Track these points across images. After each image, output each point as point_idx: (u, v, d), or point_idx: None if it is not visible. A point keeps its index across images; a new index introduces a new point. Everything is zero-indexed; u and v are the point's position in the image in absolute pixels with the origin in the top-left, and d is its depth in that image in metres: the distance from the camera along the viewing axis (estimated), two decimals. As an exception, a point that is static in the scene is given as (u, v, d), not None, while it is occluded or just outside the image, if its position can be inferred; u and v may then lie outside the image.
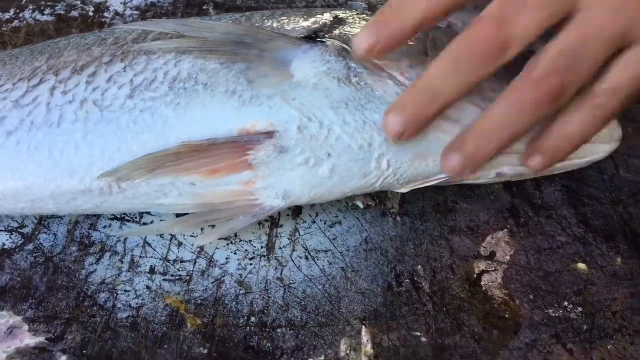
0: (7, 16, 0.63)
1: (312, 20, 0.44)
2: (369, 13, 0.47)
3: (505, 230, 0.45)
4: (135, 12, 0.64)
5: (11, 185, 0.39)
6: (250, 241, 0.43)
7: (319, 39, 0.42)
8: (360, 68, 0.40)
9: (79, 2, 0.65)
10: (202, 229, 0.43)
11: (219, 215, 0.40)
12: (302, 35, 0.43)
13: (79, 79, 0.40)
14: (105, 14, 0.64)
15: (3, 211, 0.42)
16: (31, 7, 0.64)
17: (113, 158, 0.38)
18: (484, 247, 0.43)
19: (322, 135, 0.39)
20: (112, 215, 0.45)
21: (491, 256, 0.43)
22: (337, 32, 0.43)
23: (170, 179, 0.39)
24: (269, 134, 0.39)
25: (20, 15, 0.63)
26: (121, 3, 0.65)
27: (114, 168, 0.38)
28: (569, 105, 0.37)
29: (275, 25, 0.44)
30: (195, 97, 0.39)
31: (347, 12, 0.46)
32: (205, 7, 0.65)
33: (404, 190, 0.42)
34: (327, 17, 0.45)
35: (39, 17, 0.63)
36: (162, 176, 0.38)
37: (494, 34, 0.34)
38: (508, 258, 0.43)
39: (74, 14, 0.64)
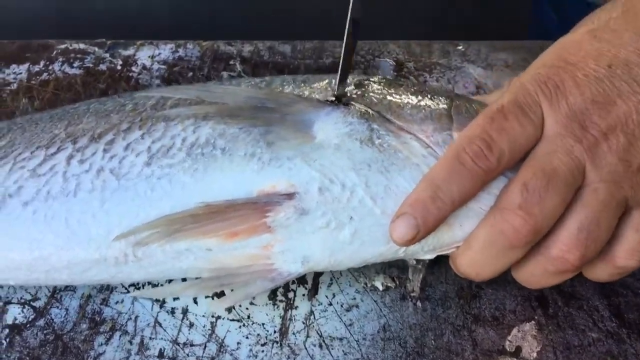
0: (36, 68, 0.64)
1: (333, 84, 0.43)
2: (391, 77, 0.46)
3: (533, 321, 0.42)
4: (163, 67, 0.64)
5: (27, 256, 0.39)
6: (263, 324, 0.42)
7: (341, 102, 0.41)
8: (384, 130, 0.39)
9: (107, 55, 0.65)
10: (216, 294, 0.42)
11: (235, 280, 0.39)
12: (325, 99, 0.42)
13: (96, 146, 0.40)
14: (133, 68, 0.64)
15: (18, 282, 0.42)
16: (61, 59, 0.65)
17: (131, 225, 0.38)
18: (509, 340, 0.41)
19: (344, 197, 0.38)
20: (125, 289, 0.44)
21: (517, 352, 0.40)
22: (359, 93, 0.42)
23: (187, 244, 0.38)
24: (289, 195, 0.38)
25: (50, 67, 0.64)
26: (149, 57, 0.65)
27: (131, 228, 0.37)
28: (594, 267, 0.39)
29: (296, 90, 0.43)
30: (213, 162, 0.38)
31: (369, 77, 0.46)
32: (232, 62, 0.64)
33: (428, 257, 0.41)
34: (349, 81, 0.44)
35: (67, 69, 0.64)
36: (179, 239, 0.38)
37: (523, 224, 0.36)
38: (535, 355, 0.40)
39: (102, 67, 0.64)
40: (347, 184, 0.38)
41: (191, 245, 0.38)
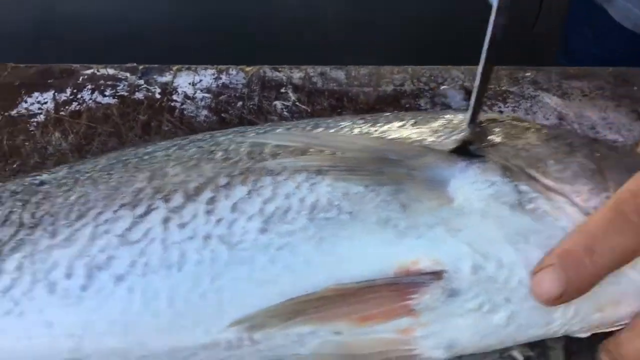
0: (63, 97, 0.57)
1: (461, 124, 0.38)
2: (521, 119, 0.40)
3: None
4: (207, 95, 0.57)
5: (121, 340, 0.32)
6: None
7: (469, 150, 0.36)
8: (533, 192, 0.34)
9: (142, 82, 0.59)
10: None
11: None
12: (452, 148, 0.36)
13: (195, 207, 0.33)
14: (174, 97, 0.57)
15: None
16: (90, 86, 0.58)
17: (246, 304, 0.31)
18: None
19: (500, 276, 0.32)
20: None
21: None
22: (492, 140, 0.37)
23: (311, 328, 0.32)
24: (436, 274, 0.32)
25: (79, 96, 0.57)
26: (189, 84, 0.59)
27: (247, 315, 0.31)
28: None
29: (411, 134, 0.37)
30: (340, 229, 0.32)
31: (488, 115, 0.40)
32: (283, 90, 0.58)
33: (583, 335, 0.36)
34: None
35: (99, 98, 0.57)
36: (303, 324, 0.31)
37: None
38: None
39: (139, 95, 0.57)
40: (504, 261, 0.32)
41: (316, 328, 0.32)
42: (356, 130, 0.38)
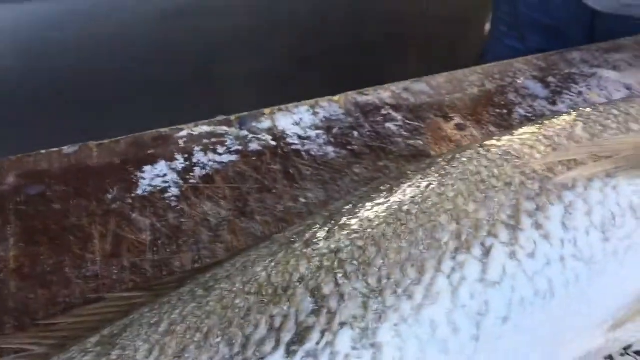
0: (180, 165, 0.54)
1: None
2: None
3: None
4: (319, 131, 0.57)
5: None
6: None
7: None
8: None
9: (246, 132, 0.57)
10: None
11: None
12: None
13: (526, 235, 0.34)
14: (289, 139, 0.56)
15: None
16: (197, 148, 0.55)
17: (609, 307, 0.34)
18: None
19: None
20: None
21: None
22: None
23: None
24: None
25: (195, 160, 0.54)
26: (294, 124, 0.58)
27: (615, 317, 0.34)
28: None
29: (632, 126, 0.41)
30: None
31: None
32: (385, 112, 0.60)
33: None
34: None
35: (218, 158, 0.54)
36: None
37: None
38: None
39: (254, 146, 0.56)
40: None
41: None
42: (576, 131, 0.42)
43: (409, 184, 0.41)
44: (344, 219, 0.39)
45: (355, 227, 0.38)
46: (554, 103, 0.61)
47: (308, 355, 0.32)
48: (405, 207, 0.38)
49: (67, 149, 0.55)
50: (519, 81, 0.64)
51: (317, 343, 0.32)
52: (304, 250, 0.36)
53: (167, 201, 0.50)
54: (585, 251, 0.35)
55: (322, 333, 0.32)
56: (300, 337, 0.32)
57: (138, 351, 0.33)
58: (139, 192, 0.51)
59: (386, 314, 0.33)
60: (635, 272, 0.35)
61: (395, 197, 0.39)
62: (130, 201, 0.50)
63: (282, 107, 0.60)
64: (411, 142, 0.56)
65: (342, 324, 0.32)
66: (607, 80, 0.64)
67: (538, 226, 0.35)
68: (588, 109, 0.45)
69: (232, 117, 0.59)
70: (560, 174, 0.38)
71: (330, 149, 0.56)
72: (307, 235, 0.38)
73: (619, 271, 0.35)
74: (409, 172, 0.42)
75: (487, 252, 0.34)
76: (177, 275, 0.42)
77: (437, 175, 0.40)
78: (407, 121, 0.59)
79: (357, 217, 0.39)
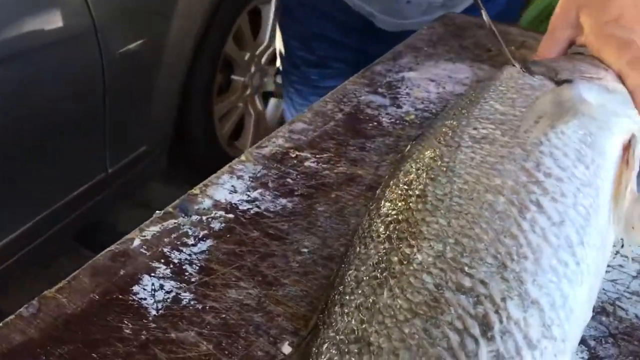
0: (165, 271, 0.50)
1: None
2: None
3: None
4: (260, 190, 0.59)
5: None
6: None
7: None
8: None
9: (195, 216, 0.56)
10: None
11: None
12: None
13: None
14: (242, 207, 0.57)
15: None
16: (165, 249, 0.52)
17: None
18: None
19: None
20: None
21: None
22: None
23: None
24: None
25: (175, 261, 0.51)
26: (230, 192, 0.59)
27: None
28: None
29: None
30: None
31: None
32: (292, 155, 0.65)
33: None
34: None
35: (194, 249, 0.52)
36: None
37: None
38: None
39: (218, 225, 0.55)
40: None
41: None
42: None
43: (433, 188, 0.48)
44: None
45: (442, 231, 0.44)
46: (399, 107, 0.74)
47: (501, 332, 0.38)
48: (456, 203, 0.46)
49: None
50: (362, 98, 0.75)
51: (501, 322, 0.38)
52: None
53: (191, 307, 0.47)
54: (578, 174, 0.48)
55: (497, 313, 0.39)
56: (485, 325, 0.38)
57: None
58: (153, 313, 0.46)
59: (521, 275, 0.41)
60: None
61: (440, 203, 0.47)
62: (154, 326, 0.45)
63: (206, 182, 0.60)
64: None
65: (503, 299, 0.39)
66: (415, 79, 0.80)
67: (547, 174, 0.47)
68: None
69: (170, 209, 0.56)
70: (526, 137, 0.51)
71: (283, 200, 0.58)
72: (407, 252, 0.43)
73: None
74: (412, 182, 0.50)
75: (539, 204, 0.45)
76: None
77: (449, 172, 0.49)
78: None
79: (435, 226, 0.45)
